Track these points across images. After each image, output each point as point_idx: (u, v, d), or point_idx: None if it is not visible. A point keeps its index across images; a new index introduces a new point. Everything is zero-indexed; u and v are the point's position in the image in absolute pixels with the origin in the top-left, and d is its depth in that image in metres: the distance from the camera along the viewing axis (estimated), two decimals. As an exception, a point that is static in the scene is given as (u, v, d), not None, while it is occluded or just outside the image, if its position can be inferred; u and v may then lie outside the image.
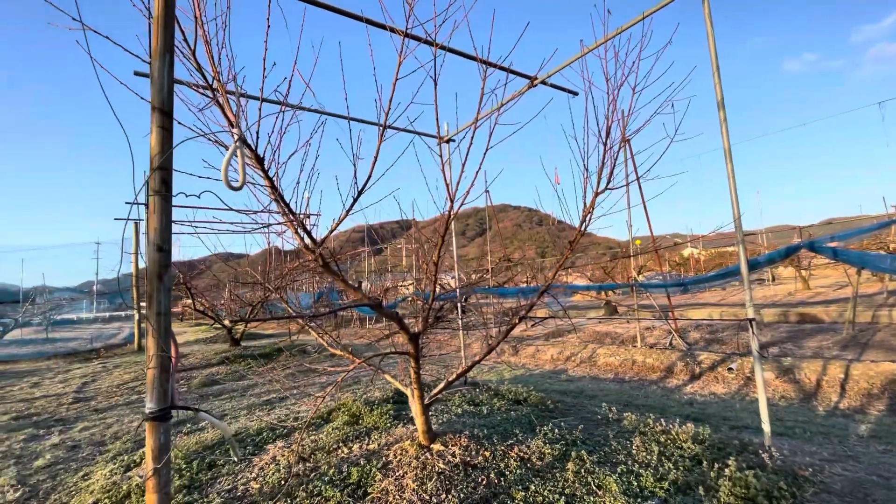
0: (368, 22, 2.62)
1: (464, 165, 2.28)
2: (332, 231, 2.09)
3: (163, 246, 1.78)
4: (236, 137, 1.59)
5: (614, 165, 2.98)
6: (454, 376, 3.01)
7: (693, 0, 3.83)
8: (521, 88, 5.00)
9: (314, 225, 2.48)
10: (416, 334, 2.55)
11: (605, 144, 3.07)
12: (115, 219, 9.77)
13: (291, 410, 5.80)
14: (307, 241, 2.03)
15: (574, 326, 9.70)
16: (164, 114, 1.67)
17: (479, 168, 2.28)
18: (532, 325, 3.27)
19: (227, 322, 11.50)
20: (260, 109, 1.78)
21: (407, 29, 2.03)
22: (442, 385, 3.04)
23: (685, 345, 8.10)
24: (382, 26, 2.09)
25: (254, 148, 1.76)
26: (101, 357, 13.95)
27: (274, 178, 1.85)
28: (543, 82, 5.11)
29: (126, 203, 9.27)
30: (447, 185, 2.17)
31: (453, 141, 7.08)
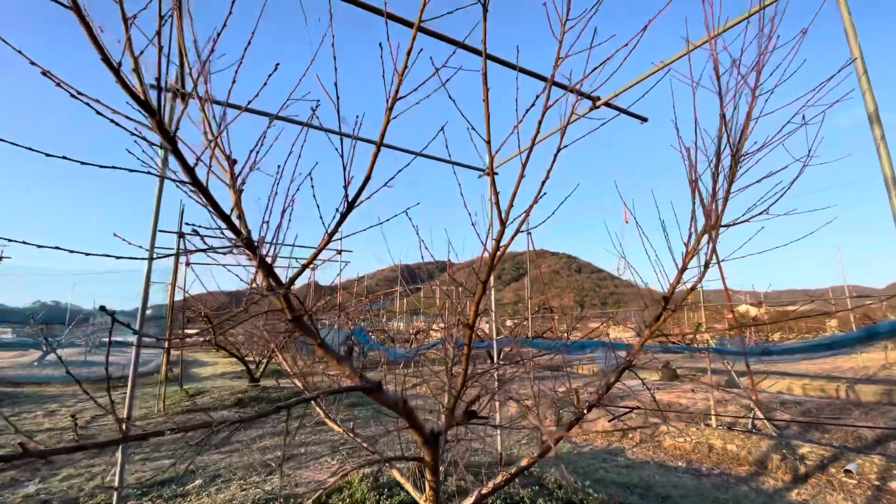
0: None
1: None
2: (305, 266, 1.33)
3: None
4: None
5: (728, 194, 2.08)
6: (490, 488, 2.06)
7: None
8: (584, 110, 4.23)
9: (273, 246, 1.65)
10: (434, 435, 1.67)
11: (715, 168, 2.20)
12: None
13: (291, 478, 4.90)
14: (256, 274, 1.26)
15: (655, 393, 8.35)
16: None
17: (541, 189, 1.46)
18: (611, 420, 2.30)
19: (249, 359, 10.94)
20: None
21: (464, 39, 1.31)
22: (472, 498, 2.09)
23: (775, 429, 6.58)
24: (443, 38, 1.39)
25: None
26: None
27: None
28: (608, 104, 4.33)
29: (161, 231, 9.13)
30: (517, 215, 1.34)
31: (497, 174, 6.37)
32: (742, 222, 2.08)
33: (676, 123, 2.09)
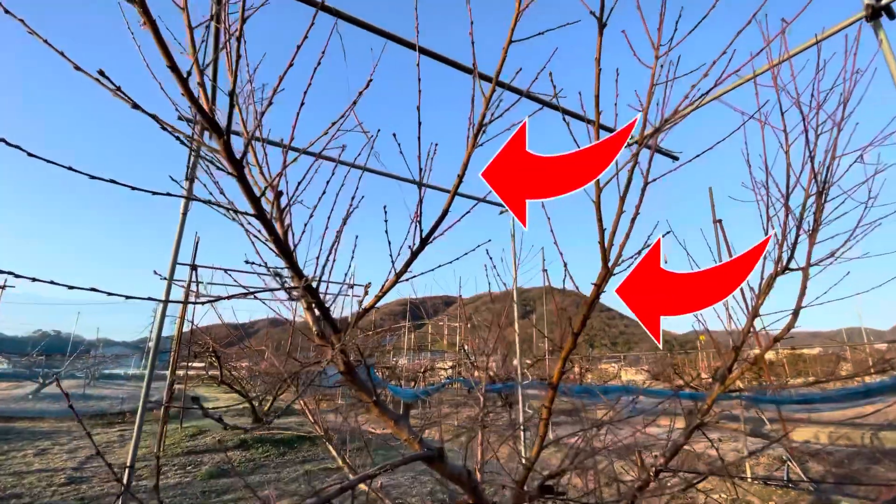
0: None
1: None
2: (367, 310, 1.17)
3: None
4: None
5: (817, 231, 1.93)
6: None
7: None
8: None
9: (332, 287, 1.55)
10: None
11: (785, 204, 2.07)
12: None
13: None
14: (315, 322, 1.10)
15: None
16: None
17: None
18: (684, 489, 2.05)
19: (251, 396, 10.57)
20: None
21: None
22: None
23: (813, 483, 6.13)
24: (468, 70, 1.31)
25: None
26: (126, 421, 13.14)
27: (263, 199, 0.99)
28: (660, 150, 4.24)
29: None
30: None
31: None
32: (820, 262, 1.92)
33: (748, 159, 1.97)
